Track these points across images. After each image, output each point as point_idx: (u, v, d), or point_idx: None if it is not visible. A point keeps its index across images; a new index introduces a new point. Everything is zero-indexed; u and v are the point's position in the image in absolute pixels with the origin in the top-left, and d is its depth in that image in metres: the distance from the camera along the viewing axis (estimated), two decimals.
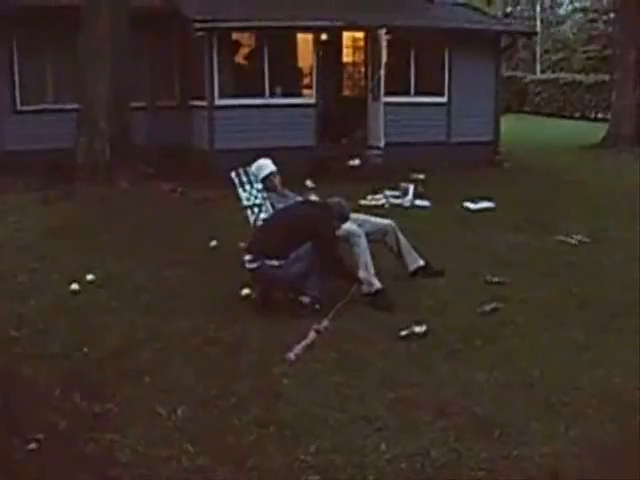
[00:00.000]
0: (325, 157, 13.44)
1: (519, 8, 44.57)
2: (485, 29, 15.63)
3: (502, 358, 4.90)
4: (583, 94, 29.32)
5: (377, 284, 5.99)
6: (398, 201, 10.79)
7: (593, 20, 37.58)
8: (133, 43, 12.49)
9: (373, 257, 6.13)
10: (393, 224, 6.74)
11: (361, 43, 15.90)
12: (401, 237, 6.69)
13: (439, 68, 15.19)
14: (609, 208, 10.51)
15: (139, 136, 12.86)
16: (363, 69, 15.75)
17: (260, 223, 6.73)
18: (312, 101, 14.31)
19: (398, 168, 12.62)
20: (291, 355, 4.87)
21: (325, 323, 5.35)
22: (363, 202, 10.51)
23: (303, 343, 5.04)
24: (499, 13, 38.22)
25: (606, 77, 25.34)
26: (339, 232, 6.13)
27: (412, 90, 15.03)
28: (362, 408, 4.16)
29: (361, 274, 5.98)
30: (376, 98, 14.30)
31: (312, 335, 5.17)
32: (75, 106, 12.43)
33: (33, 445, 3.70)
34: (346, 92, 16.74)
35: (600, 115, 27.02)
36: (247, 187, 7.29)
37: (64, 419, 3.99)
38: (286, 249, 5.69)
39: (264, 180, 7.04)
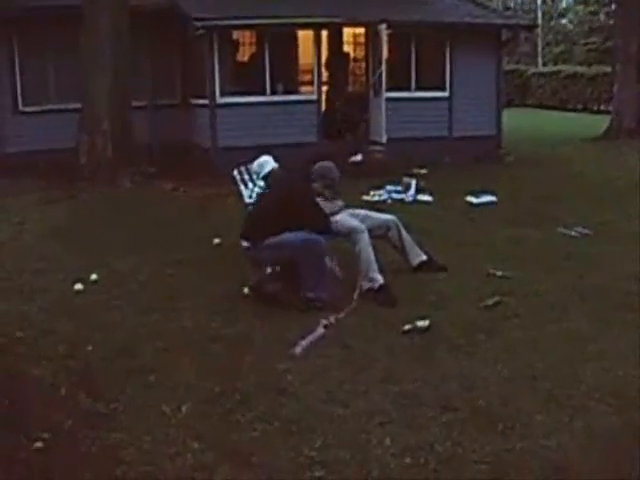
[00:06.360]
0: (327, 153, 13.42)
1: (520, 1, 44.48)
2: (486, 23, 15.60)
3: (505, 351, 4.91)
4: (585, 86, 29.27)
5: (380, 280, 5.99)
6: (400, 196, 10.79)
7: (594, 12, 37.53)
8: (134, 42, 12.51)
9: (376, 252, 6.14)
10: (396, 219, 6.74)
11: (362, 39, 15.89)
12: (404, 232, 6.69)
13: (440, 63, 15.18)
14: (611, 200, 10.50)
15: (141, 135, 12.87)
16: (364, 65, 15.74)
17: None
18: (313, 97, 14.31)
19: (400, 163, 12.62)
20: (297, 349, 4.89)
21: (332, 319, 5.37)
22: (365, 197, 10.54)
23: (310, 337, 5.05)
24: (500, 6, 38.28)
25: (608, 69, 25.28)
26: (341, 229, 6.15)
27: (413, 85, 15.01)
28: (366, 403, 4.17)
29: (362, 270, 5.99)
30: (378, 93, 14.30)
31: (321, 330, 5.19)
32: (77, 106, 12.44)
33: (39, 444, 3.72)
34: (348, 88, 16.72)
35: (602, 107, 26.97)
36: (249, 184, 7.31)
37: (69, 418, 4.01)
38: (279, 226, 5.72)
39: (266, 177, 7.04)
